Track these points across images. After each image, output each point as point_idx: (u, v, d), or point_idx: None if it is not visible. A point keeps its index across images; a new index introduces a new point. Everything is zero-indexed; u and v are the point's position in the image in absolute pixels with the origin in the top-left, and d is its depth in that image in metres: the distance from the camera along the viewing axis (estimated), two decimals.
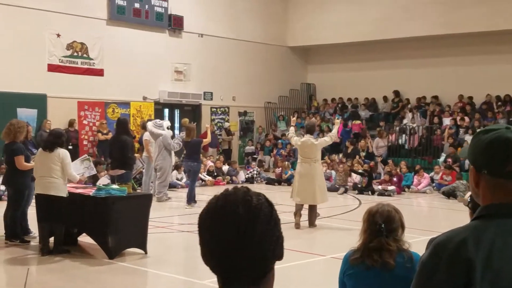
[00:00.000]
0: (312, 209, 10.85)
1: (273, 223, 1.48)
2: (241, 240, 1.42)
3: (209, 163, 18.85)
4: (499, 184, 1.82)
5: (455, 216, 13.72)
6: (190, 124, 14.51)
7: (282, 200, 15.60)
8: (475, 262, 1.69)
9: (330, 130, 20.02)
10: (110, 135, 18.00)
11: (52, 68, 17.72)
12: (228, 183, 18.51)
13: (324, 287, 7.12)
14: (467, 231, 1.77)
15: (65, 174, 8.38)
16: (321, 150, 11.35)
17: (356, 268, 3.60)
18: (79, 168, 8.94)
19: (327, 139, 11.22)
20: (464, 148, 16.56)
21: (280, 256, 1.50)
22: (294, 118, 12.89)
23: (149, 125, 13.83)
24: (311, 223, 10.82)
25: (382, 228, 3.55)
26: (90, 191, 8.53)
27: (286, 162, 19.23)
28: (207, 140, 14.27)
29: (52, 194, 8.29)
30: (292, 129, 11.72)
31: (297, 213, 10.72)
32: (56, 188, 8.30)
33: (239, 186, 1.55)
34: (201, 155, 19.59)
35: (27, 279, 3.00)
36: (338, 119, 13.53)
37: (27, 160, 8.99)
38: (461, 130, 19.57)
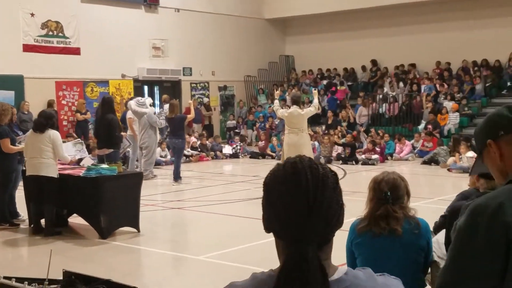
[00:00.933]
0: None
1: (338, 190, 1.53)
2: (311, 205, 1.46)
3: (193, 139, 18.81)
4: None
5: (437, 181, 13.97)
6: (173, 100, 14.31)
7: (266, 174, 15.68)
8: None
9: (310, 102, 20.18)
10: (88, 115, 17.84)
11: (27, 48, 17.39)
12: (212, 158, 18.51)
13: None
14: (503, 195, 1.78)
15: (57, 155, 8.33)
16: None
17: (364, 237, 3.63)
18: (71, 150, 8.88)
19: (312, 109, 11.47)
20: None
21: (341, 224, 1.54)
22: (278, 92, 12.91)
23: (132, 103, 13.68)
24: None
25: (388, 196, 3.58)
26: (80, 172, 8.46)
27: (274, 137, 19.18)
28: (191, 116, 14.16)
29: (42, 175, 8.25)
30: (276, 102, 11.84)
31: None
32: (46, 168, 8.25)
33: (301, 155, 1.57)
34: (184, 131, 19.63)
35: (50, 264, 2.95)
36: (315, 89, 13.67)
37: (13, 143, 8.87)
38: (441, 96, 19.74)
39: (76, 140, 9.97)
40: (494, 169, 1.94)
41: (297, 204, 1.46)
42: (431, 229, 4.44)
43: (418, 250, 3.61)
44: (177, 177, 13.15)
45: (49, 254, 2.78)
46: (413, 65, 21.83)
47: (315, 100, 11.89)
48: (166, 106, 19.69)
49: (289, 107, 11.42)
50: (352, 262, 3.72)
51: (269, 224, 1.52)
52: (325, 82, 23.16)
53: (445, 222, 4.57)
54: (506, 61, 20.10)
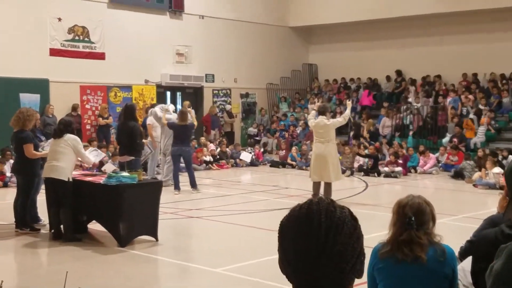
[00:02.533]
0: (328, 188, 11.32)
1: (355, 238, 1.46)
2: (321, 250, 1.41)
3: (211, 146, 18.81)
4: None
5: (462, 197, 13.72)
6: (183, 108, 14.14)
7: (286, 183, 15.62)
8: None
9: (334, 112, 20.10)
10: (110, 120, 17.96)
11: (54, 52, 17.57)
12: (232, 166, 18.48)
13: None
14: None
15: (79, 157, 8.42)
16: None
17: (386, 262, 3.54)
18: (90, 156, 8.93)
19: (340, 120, 11.76)
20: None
21: (359, 274, 1.48)
22: (318, 103, 12.83)
23: (156, 110, 13.70)
24: None
25: (412, 221, 3.49)
26: (100, 179, 8.48)
27: (294, 147, 19.09)
28: (195, 123, 13.96)
29: (53, 177, 8.31)
30: (313, 112, 11.89)
31: (315, 197, 10.87)
32: (56, 170, 8.31)
33: (322, 197, 1.55)
34: (203, 137, 19.64)
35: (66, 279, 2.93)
36: (349, 101, 13.63)
37: (36, 148, 8.95)
38: (466, 109, 19.44)
39: (90, 149, 10.14)
40: None
41: (307, 248, 1.42)
42: (457, 254, 4.32)
43: (443, 279, 3.50)
44: (194, 185, 13.10)
45: (65, 275, 2.74)
46: (438, 77, 21.58)
47: (347, 111, 12.00)
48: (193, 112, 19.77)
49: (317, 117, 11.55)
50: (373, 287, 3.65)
51: (283, 267, 1.49)
52: (349, 89, 23.05)
53: (472, 248, 4.43)
54: None
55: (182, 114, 13.05)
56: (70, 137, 8.46)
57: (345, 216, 1.47)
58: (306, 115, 21.77)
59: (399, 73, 22.48)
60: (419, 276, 3.46)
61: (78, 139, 8.63)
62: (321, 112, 11.51)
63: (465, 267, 4.03)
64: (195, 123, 13.51)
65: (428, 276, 3.46)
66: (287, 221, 1.50)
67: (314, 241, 1.41)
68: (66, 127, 8.53)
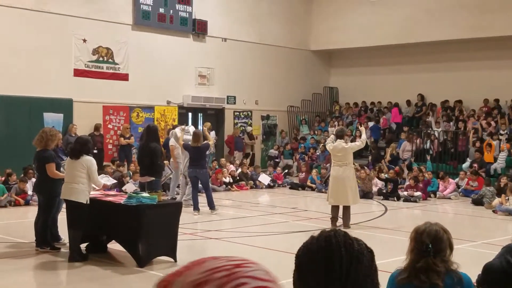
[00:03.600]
0: (346, 211, 11.32)
1: (373, 268, 1.48)
2: (344, 283, 1.41)
3: (231, 168, 18.88)
4: None
5: (481, 223, 13.59)
6: (197, 129, 14.09)
7: (306, 206, 15.61)
8: None
9: (354, 135, 20.11)
10: (132, 140, 18.15)
11: (78, 73, 17.87)
12: (251, 187, 18.52)
13: None
14: None
15: (91, 181, 8.48)
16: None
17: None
18: (100, 180, 9.04)
19: (358, 143, 11.90)
20: None
21: None
22: (337, 127, 12.97)
23: (177, 131, 13.84)
24: (345, 225, 11.27)
25: (429, 248, 3.50)
26: (121, 199, 8.58)
27: (314, 169, 19.09)
28: (211, 143, 13.86)
29: (72, 200, 8.41)
30: (332, 136, 12.05)
31: (333, 220, 11.35)
32: (76, 193, 8.41)
33: (336, 229, 1.54)
34: (223, 158, 19.73)
35: None
36: (361, 126, 13.75)
37: (58, 167, 9.09)
38: (485, 134, 19.29)
39: (102, 175, 10.36)
40: None
41: (329, 281, 1.41)
42: (474, 282, 4.29)
43: None
44: (212, 206, 13.10)
45: None
46: (459, 102, 21.50)
47: (363, 136, 12.16)
48: (212, 133, 19.97)
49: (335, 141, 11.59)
50: None
51: None
52: (370, 113, 23.07)
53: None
54: None
55: (195, 136, 13.08)
56: (86, 159, 8.56)
57: (363, 249, 1.47)
58: (314, 136, 21.91)
59: (421, 97, 22.42)
60: None
61: (94, 161, 8.69)
62: (339, 135, 11.58)
63: None
64: (211, 143, 13.58)
65: None
66: (304, 255, 1.48)
67: (337, 275, 1.41)
68: (82, 146, 8.64)
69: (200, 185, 13.38)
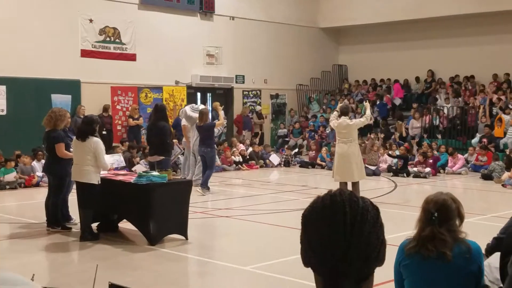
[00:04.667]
0: (355, 187, 11.25)
1: (378, 226, 1.49)
2: (349, 239, 1.43)
3: (241, 147, 18.89)
4: None
5: (491, 197, 13.58)
6: (203, 108, 13.78)
7: (316, 183, 15.60)
8: None
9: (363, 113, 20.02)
10: (141, 120, 18.15)
11: (85, 53, 17.82)
12: (261, 167, 18.54)
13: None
14: None
15: (98, 163, 8.47)
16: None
17: (412, 259, 3.53)
18: (109, 160, 9.01)
19: (363, 120, 11.70)
20: None
21: (382, 261, 1.50)
22: (340, 104, 12.90)
23: (187, 109, 13.78)
24: None
25: (434, 216, 3.46)
26: (131, 178, 8.59)
27: (324, 147, 19.10)
28: (220, 122, 13.56)
29: (84, 181, 8.43)
30: (335, 113, 11.90)
31: None
32: (87, 175, 8.44)
33: (342, 188, 1.56)
34: (234, 137, 19.73)
35: (96, 274, 3.00)
36: (366, 101, 13.65)
37: (67, 147, 9.10)
38: (496, 109, 19.15)
39: (112, 154, 10.32)
40: None
41: (334, 238, 1.43)
42: (483, 251, 4.27)
43: (469, 276, 3.46)
44: (205, 184, 12.83)
45: (95, 269, 2.79)
46: (468, 77, 21.32)
47: (368, 112, 11.97)
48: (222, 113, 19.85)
49: (339, 118, 11.49)
50: (399, 284, 3.63)
51: (307, 259, 1.50)
52: (380, 88, 22.95)
53: (499, 245, 4.39)
54: None
55: (200, 114, 12.91)
56: (93, 140, 8.53)
57: (367, 206, 1.48)
58: (323, 114, 21.82)
59: (431, 73, 22.24)
60: (444, 273, 3.44)
61: (101, 143, 8.67)
62: (343, 112, 11.53)
63: (491, 262, 4.01)
64: (219, 122, 13.42)
65: (454, 273, 3.44)
66: (310, 212, 1.50)
67: (342, 231, 1.43)
68: (87, 125, 8.62)
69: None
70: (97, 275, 3.19)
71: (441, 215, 3.47)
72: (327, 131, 21.05)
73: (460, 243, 3.45)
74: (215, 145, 13.33)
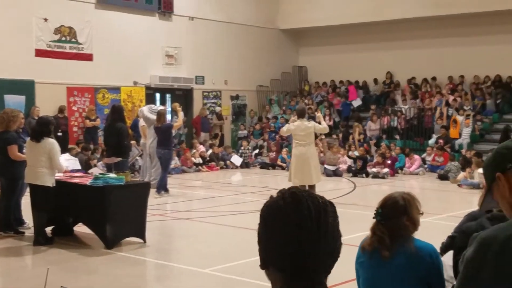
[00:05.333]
0: (312, 190, 11.05)
1: (337, 221, 1.50)
2: (316, 234, 1.42)
3: (201, 148, 18.74)
4: None
5: (447, 197, 13.80)
6: (161, 108, 13.57)
7: (276, 185, 15.55)
8: None
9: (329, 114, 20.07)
10: (98, 122, 17.80)
11: (40, 53, 17.37)
12: (222, 168, 18.42)
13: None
14: None
15: (52, 164, 8.23)
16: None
17: (364, 256, 3.46)
18: (64, 163, 8.78)
19: (321, 127, 11.74)
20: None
21: (339, 255, 1.50)
22: (297, 107, 12.89)
23: (144, 110, 13.56)
24: None
25: (375, 212, 3.37)
26: (87, 181, 8.38)
27: (284, 149, 19.11)
28: (178, 123, 13.31)
29: (38, 184, 8.20)
30: (292, 119, 12.03)
31: None
32: (41, 177, 8.21)
33: (296, 186, 1.55)
34: (195, 139, 19.56)
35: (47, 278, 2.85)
36: (318, 112, 13.75)
37: (20, 149, 8.83)
38: (452, 111, 19.48)
39: (67, 156, 10.12)
40: (504, 202, 1.87)
41: (303, 234, 1.42)
42: (438, 249, 4.22)
43: (412, 277, 3.30)
44: (160, 188, 12.56)
45: (46, 273, 2.65)
46: (425, 79, 21.64)
47: (324, 124, 11.98)
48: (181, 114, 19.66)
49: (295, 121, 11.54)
50: (358, 281, 3.55)
51: (270, 258, 1.46)
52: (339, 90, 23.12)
53: (452, 243, 4.39)
54: None
55: (158, 115, 12.69)
56: (48, 141, 8.29)
57: (326, 201, 1.50)
58: (283, 115, 21.84)
59: (390, 75, 22.47)
60: (386, 272, 3.32)
61: (56, 144, 8.41)
62: (300, 114, 11.55)
63: (445, 261, 3.99)
64: (177, 124, 13.21)
65: (395, 273, 3.31)
66: (273, 211, 1.47)
67: (309, 227, 1.42)
68: (43, 127, 8.37)
69: (173, 166, 13.14)
70: (50, 280, 3.04)
71: (386, 212, 3.36)
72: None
73: (402, 242, 3.31)
74: (173, 147, 13.07)
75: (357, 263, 3.49)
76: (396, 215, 3.35)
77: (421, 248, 3.33)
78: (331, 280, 1.51)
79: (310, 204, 1.45)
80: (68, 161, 9.43)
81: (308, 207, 1.44)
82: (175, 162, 17.01)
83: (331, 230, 1.46)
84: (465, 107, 19.22)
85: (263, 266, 1.48)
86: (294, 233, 1.42)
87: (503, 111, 19.53)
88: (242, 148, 19.69)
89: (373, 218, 3.38)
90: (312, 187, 11.27)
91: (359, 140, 19.34)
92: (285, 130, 11.95)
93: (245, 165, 18.90)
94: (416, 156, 17.45)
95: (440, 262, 3.42)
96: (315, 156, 11.60)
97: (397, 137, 19.80)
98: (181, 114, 13.71)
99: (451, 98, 19.86)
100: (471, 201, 12.27)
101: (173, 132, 13.10)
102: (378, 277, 3.35)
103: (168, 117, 17.41)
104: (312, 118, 15.27)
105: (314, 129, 11.43)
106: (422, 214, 3.48)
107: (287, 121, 21.89)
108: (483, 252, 1.71)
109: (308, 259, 1.42)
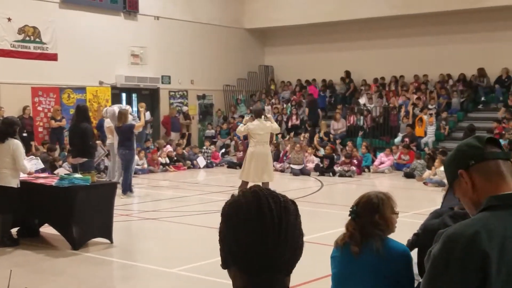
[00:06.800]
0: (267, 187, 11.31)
1: (299, 219, 1.50)
2: (278, 233, 1.43)
3: (169, 148, 18.69)
4: (489, 169, 1.86)
5: (413, 195, 14.00)
6: (123, 108, 13.33)
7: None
8: (490, 254, 1.68)
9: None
10: (63, 122, 17.61)
11: (3, 53, 17.10)
12: (188, 168, 18.41)
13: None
14: (478, 223, 1.75)
15: (16, 165, 8.15)
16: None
17: (337, 251, 3.51)
18: (27, 164, 8.68)
19: (276, 127, 12.35)
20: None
21: (301, 254, 1.51)
22: (247, 118, 13.13)
23: (115, 109, 13.43)
24: None
25: (350, 210, 3.43)
26: (52, 181, 8.31)
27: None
28: (140, 124, 13.17)
29: (1, 185, 8.13)
30: (246, 118, 12.51)
31: None
32: (5, 178, 8.14)
33: (256, 185, 1.56)
34: (161, 139, 19.49)
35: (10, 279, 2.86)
36: (268, 114, 14.07)
37: None
38: (417, 109, 19.78)
39: (30, 157, 10.00)
40: (467, 199, 1.90)
41: (265, 233, 1.42)
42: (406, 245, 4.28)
43: (380, 276, 3.33)
44: (126, 190, 12.45)
45: (9, 275, 2.66)
46: (391, 78, 21.93)
47: (276, 126, 12.56)
48: (148, 114, 19.56)
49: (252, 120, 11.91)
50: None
51: (232, 257, 1.46)
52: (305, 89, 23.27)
53: (417, 240, 4.47)
54: (475, 77, 20.29)
55: (119, 115, 12.51)
56: (12, 142, 8.21)
57: (288, 200, 1.50)
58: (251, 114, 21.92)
59: (348, 74, 22.66)
60: (355, 268, 3.36)
61: (20, 145, 8.34)
62: (257, 114, 11.78)
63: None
64: (141, 124, 13.06)
65: (363, 270, 3.35)
66: (234, 209, 1.47)
67: (271, 225, 1.42)
68: (8, 127, 8.29)
69: (137, 166, 13.08)
70: (15, 282, 3.04)
71: (360, 209, 3.42)
72: None
73: (371, 240, 3.34)
74: (134, 148, 12.89)
75: (331, 258, 3.52)
76: (368, 213, 3.39)
77: (393, 248, 3.35)
78: (300, 278, 1.53)
79: (272, 203, 1.45)
80: (31, 161, 9.29)
81: (269, 205, 1.44)
82: (142, 162, 16.94)
83: (292, 229, 1.45)
84: (429, 106, 19.53)
85: (224, 265, 1.49)
86: (255, 232, 1.42)
87: (468, 109, 19.92)
88: (205, 147, 19.74)
89: (349, 215, 3.44)
90: (267, 184, 11.48)
91: (326, 139, 19.48)
92: (242, 129, 12.17)
93: (210, 165, 18.97)
94: (391, 156, 17.60)
95: (412, 264, 3.43)
96: (270, 155, 12.13)
97: (360, 133, 19.92)
98: (143, 115, 13.62)
99: (414, 97, 20.17)
100: (435, 199, 12.52)
101: (135, 132, 12.91)
102: (348, 272, 3.39)
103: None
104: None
105: (271, 129, 11.91)
106: (397, 213, 3.51)
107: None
108: (449, 248, 1.72)
109: (269, 258, 1.42)
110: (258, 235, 1.42)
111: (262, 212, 1.43)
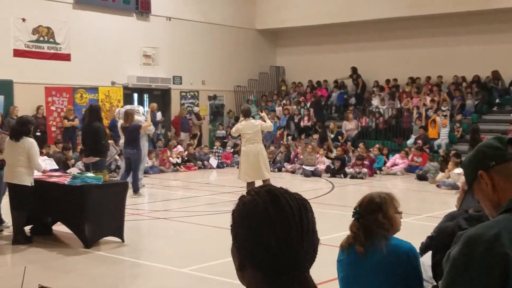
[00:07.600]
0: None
1: (314, 216, 1.48)
2: (300, 230, 1.40)
3: (179, 148, 18.77)
4: (511, 171, 1.83)
5: (426, 197, 13.94)
6: (128, 109, 13.38)
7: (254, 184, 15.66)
8: (511, 257, 1.65)
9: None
10: (76, 122, 17.73)
11: (18, 53, 17.27)
12: (199, 168, 18.47)
13: None
14: (499, 225, 1.73)
15: (31, 164, 8.24)
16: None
17: (343, 254, 3.51)
18: (41, 164, 8.78)
19: (267, 125, 12.28)
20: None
21: (317, 252, 1.48)
22: (242, 107, 13.42)
23: (127, 110, 13.49)
24: None
25: (353, 210, 3.42)
26: (65, 180, 8.39)
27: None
28: (146, 124, 13.18)
29: (16, 183, 8.20)
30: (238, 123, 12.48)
31: None
32: (19, 176, 8.23)
33: (268, 184, 1.53)
34: (173, 139, 19.56)
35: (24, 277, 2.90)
36: (262, 112, 14.07)
37: None
38: (431, 111, 19.69)
39: (44, 158, 10.14)
40: (487, 201, 1.88)
41: (287, 230, 1.39)
42: (418, 250, 4.26)
43: (388, 275, 3.32)
44: (136, 190, 12.53)
45: (23, 271, 2.70)
46: (404, 79, 21.84)
47: (268, 121, 12.51)
48: (159, 114, 19.65)
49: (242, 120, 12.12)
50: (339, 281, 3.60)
51: (252, 259, 1.41)
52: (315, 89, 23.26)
53: (431, 243, 4.44)
54: (490, 79, 20.16)
55: (125, 115, 12.62)
56: (27, 141, 8.31)
57: (302, 197, 1.47)
58: (275, 117, 21.93)
59: (354, 70, 22.48)
60: (362, 268, 3.36)
61: (35, 143, 8.43)
62: (246, 114, 11.94)
63: (424, 262, 4.02)
64: (147, 124, 13.09)
65: (371, 270, 3.34)
66: (251, 210, 1.42)
67: (293, 223, 1.40)
68: (22, 126, 8.40)
69: (146, 165, 13.14)
70: (28, 279, 3.09)
71: (362, 209, 3.40)
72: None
73: (376, 240, 3.33)
74: (141, 147, 12.86)
75: (337, 261, 3.51)
76: (371, 212, 3.37)
77: (398, 246, 3.33)
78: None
79: (290, 200, 1.42)
80: (44, 161, 9.41)
81: (289, 204, 1.41)
82: (152, 161, 17.03)
83: (312, 226, 1.43)
84: (442, 108, 19.41)
85: (240, 267, 1.44)
86: (279, 231, 1.38)
87: (482, 111, 19.80)
88: (215, 147, 19.83)
89: (352, 216, 3.43)
90: (266, 181, 11.51)
91: (338, 141, 19.45)
92: (234, 130, 12.52)
93: (220, 165, 19.05)
94: (397, 156, 17.56)
95: (418, 261, 3.43)
96: (264, 152, 12.18)
97: (375, 136, 19.88)
98: (149, 116, 13.71)
99: (428, 99, 20.08)
100: (449, 202, 12.43)
101: (141, 132, 12.94)
102: (355, 274, 3.38)
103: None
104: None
105: (261, 128, 11.97)
106: (400, 213, 3.47)
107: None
108: (470, 250, 1.69)
109: (294, 257, 1.39)
110: (281, 234, 1.38)
111: (283, 210, 1.40)
